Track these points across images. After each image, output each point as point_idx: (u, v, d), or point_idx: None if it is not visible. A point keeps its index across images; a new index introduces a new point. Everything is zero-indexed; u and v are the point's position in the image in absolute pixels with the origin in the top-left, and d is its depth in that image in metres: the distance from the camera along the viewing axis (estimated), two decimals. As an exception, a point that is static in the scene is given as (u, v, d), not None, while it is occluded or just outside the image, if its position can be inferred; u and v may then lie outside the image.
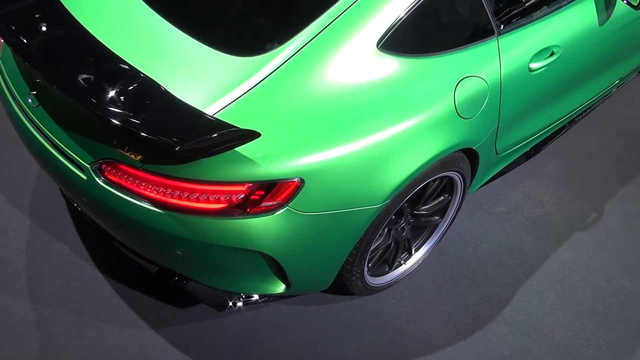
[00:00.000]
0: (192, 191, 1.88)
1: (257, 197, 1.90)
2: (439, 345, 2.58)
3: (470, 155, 2.46)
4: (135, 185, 1.92)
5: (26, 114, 2.15)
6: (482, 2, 2.29)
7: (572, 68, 2.70)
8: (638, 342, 2.66)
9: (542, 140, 3.11)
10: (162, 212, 1.92)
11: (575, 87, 2.89)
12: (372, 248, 2.38)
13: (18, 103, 2.18)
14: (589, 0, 2.65)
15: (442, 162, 2.27)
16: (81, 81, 1.90)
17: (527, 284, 2.82)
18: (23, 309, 2.55)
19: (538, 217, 3.10)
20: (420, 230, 2.75)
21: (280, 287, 2.24)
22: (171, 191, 1.89)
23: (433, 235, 2.78)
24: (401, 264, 2.73)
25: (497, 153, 2.69)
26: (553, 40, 2.51)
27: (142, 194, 1.91)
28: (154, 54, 2.05)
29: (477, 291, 2.77)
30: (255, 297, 2.39)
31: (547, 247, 2.98)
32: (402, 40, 2.11)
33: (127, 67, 1.95)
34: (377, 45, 2.07)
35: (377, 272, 2.62)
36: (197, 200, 1.88)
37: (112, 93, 1.85)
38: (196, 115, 1.86)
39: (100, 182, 1.97)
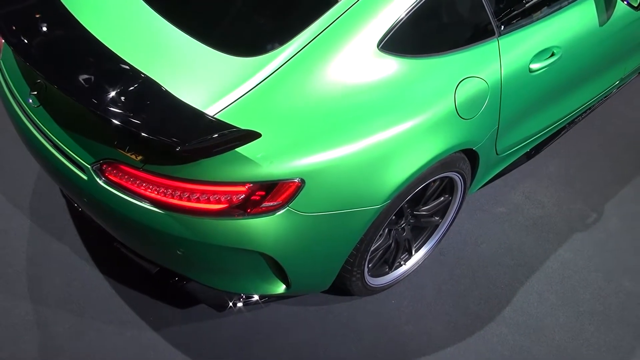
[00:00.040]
0: (193, 191, 1.88)
1: (257, 198, 1.90)
2: (439, 346, 2.58)
3: (470, 155, 2.47)
4: (135, 185, 1.92)
5: (27, 114, 2.15)
6: (482, 3, 2.29)
7: (572, 69, 2.70)
8: (638, 343, 2.66)
9: (542, 141, 3.11)
10: (162, 213, 1.92)
11: (576, 87, 2.89)
12: (372, 248, 2.38)
13: (19, 103, 2.18)
14: (589, 1, 2.65)
15: (443, 162, 2.27)
16: (82, 81, 1.90)
17: (527, 285, 2.82)
18: (23, 309, 2.55)
19: (538, 218, 3.10)
20: (421, 231, 2.75)
21: (281, 288, 2.24)
22: (172, 191, 1.89)
23: (433, 235, 2.78)
24: (401, 265, 2.73)
25: (497, 154, 2.69)
26: (553, 41, 2.51)
27: (142, 194, 1.91)
28: (155, 54, 2.05)
29: (477, 292, 2.77)
30: (256, 297, 2.39)
31: (547, 248, 2.98)
32: (402, 40, 2.11)
33: (127, 67, 1.95)
34: (378, 46, 2.07)
35: (377, 272, 2.63)
36: (198, 200, 1.88)
37: (112, 93, 1.85)
38: (197, 115, 1.86)
39: (100, 182, 1.97)
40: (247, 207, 1.90)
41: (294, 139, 1.93)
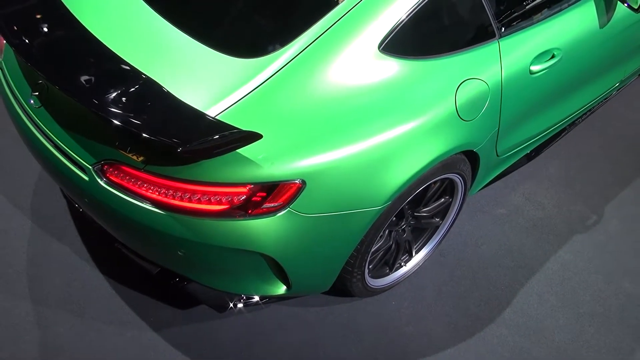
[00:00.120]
0: (194, 192, 1.88)
1: (258, 199, 1.90)
2: (439, 347, 2.58)
3: (471, 157, 2.47)
4: (137, 186, 1.92)
5: (28, 115, 2.15)
6: (483, 5, 2.29)
7: (572, 71, 2.71)
8: (638, 345, 2.66)
9: (542, 143, 3.11)
10: (163, 213, 1.92)
11: (576, 89, 2.89)
12: (372, 250, 2.38)
13: (20, 104, 2.18)
14: (590, 3, 2.66)
15: (443, 164, 2.28)
16: (83, 82, 1.90)
17: (527, 286, 2.82)
18: (23, 309, 2.55)
19: (538, 219, 3.10)
20: (421, 232, 2.75)
21: (281, 289, 2.25)
22: (173, 192, 1.89)
23: (433, 237, 2.78)
24: (402, 266, 2.73)
25: (497, 155, 2.69)
26: (554, 43, 2.51)
27: (143, 195, 1.92)
28: (156, 55, 2.05)
29: (477, 293, 2.77)
30: (256, 298, 2.39)
31: (547, 249, 2.98)
32: (403, 42, 2.12)
33: (128, 68, 1.96)
34: (379, 48, 2.08)
35: (377, 273, 2.63)
36: (199, 201, 1.88)
37: (114, 94, 1.85)
38: (198, 116, 1.86)
39: (102, 183, 1.97)
40: (248, 208, 1.91)
41: (295, 140, 1.93)
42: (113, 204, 1.99)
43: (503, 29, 2.37)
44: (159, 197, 1.91)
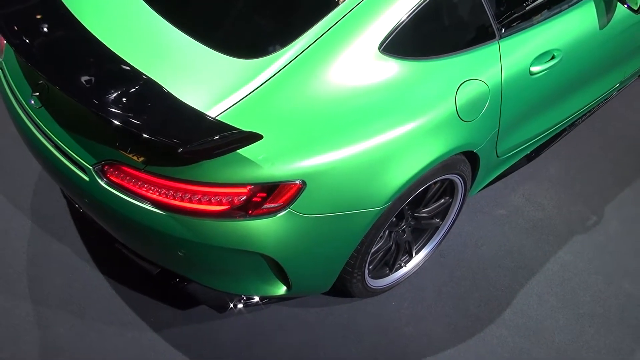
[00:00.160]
0: (194, 193, 1.88)
1: (258, 199, 1.90)
2: (439, 348, 2.58)
3: (471, 158, 2.47)
4: (137, 186, 1.92)
5: (28, 115, 2.15)
6: (483, 6, 2.30)
7: (572, 71, 2.71)
8: (638, 345, 2.66)
9: (542, 143, 3.11)
10: (164, 214, 1.92)
11: (576, 90, 2.90)
12: (373, 250, 2.38)
13: (20, 104, 2.18)
14: (590, 4, 2.66)
15: (443, 164, 2.28)
16: (83, 82, 1.90)
17: (527, 287, 2.82)
18: (24, 309, 2.55)
19: (538, 220, 3.11)
20: (421, 233, 2.75)
21: (281, 289, 2.25)
22: (173, 193, 1.89)
23: (433, 237, 2.79)
24: (402, 267, 2.73)
25: (497, 156, 2.69)
26: (554, 44, 2.52)
27: (144, 195, 1.92)
28: (156, 55, 2.06)
29: (477, 294, 2.77)
30: (256, 298, 2.40)
31: (547, 250, 2.98)
32: (403, 43, 2.12)
33: (129, 68, 1.96)
34: (379, 48, 2.08)
35: (377, 274, 2.63)
36: (199, 202, 1.88)
37: (114, 94, 1.85)
38: (198, 117, 1.86)
39: (102, 183, 1.97)
40: (249, 208, 1.91)
41: (295, 141, 1.93)
42: (113, 205, 1.99)
43: (503, 29, 2.37)
44: (160, 198, 1.91)
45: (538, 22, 2.49)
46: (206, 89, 1.95)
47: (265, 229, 1.95)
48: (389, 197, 2.11)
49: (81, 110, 1.97)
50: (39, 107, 2.11)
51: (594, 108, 3.35)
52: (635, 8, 2.66)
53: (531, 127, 2.79)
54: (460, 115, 2.23)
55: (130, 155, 1.92)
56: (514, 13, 2.40)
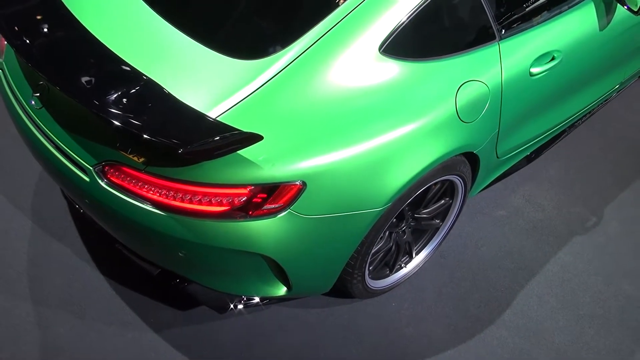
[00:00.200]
0: (195, 194, 1.89)
1: (259, 200, 1.90)
2: (439, 349, 2.58)
3: (471, 159, 2.47)
4: (137, 187, 1.92)
5: (29, 116, 2.15)
6: (483, 7, 2.30)
7: (572, 73, 2.71)
8: (637, 346, 2.67)
9: (542, 144, 3.12)
10: (164, 215, 1.93)
11: (576, 91, 2.90)
12: (373, 251, 2.38)
13: (21, 105, 2.18)
14: (590, 5, 2.66)
15: (444, 165, 2.28)
16: (84, 83, 1.90)
17: (527, 288, 2.83)
18: (24, 310, 2.55)
19: (538, 221, 3.11)
20: (421, 234, 2.76)
21: (282, 290, 2.25)
22: (173, 193, 1.89)
23: (434, 238, 2.79)
24: (402, 267, 2.73)
25: (497, 157, 2.70)
26: (554, 45, 2.52)
27: (144, 196, 1.92)
28: (157, 56, 2.06)
29: (477, 294, 2.78)
30: (257, 299, 2.40)
31: (547, 251, 2.99)
32: (404, 44, 2.12)
33: (129, 69, 1.96)
34: (379, 49, 2.08)
35: (378, 275, 2.63)
36: (200, 202, 1.89)
37: (114, 95, 1.86)
38: (199, 117, 1.87)
39: (102, 184, 1.97)
40: (249, 209, 1.91)
41: (295, 142, 1.93)
42: (114, 205, 1.99)
43: (503, 31, 2.37)
44: (160, 198, 1.91)
45: (538, 23, 2.49)
46: (207, 90, 1.95)
47: (266, 229, 1.95)
48: (389, 198, 2.11)
49: (82, 110, 1.97)
50: (40, 108, 2.11)
51: (593, 109, 3.35)
52: (635, 9, 2.66)
53: (531, 128, 2.79)
54: (461, 116, 2.23)
55: (130, 156, 1.92)
56: (514, 14, 2.41)
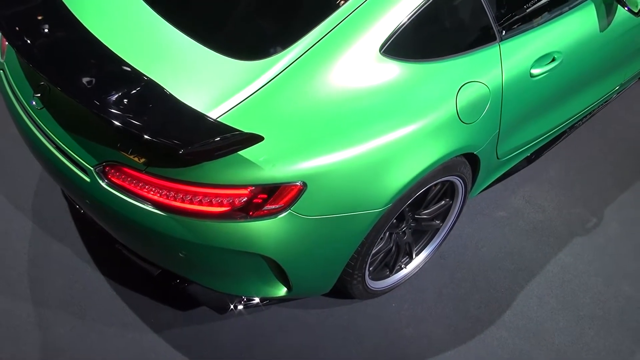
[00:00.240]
0: (195, 194, 1.89)
1: (259, 201, 1.91)
2: (440, 349, 2.58)
3: (471, 159, 2.47)
4: (138, 188, 1.92)
5: (30, 116, 2.15)
6: (484, 8, 2.30)
7: (573, 74, 2.71)
8: (637, 347, 2.67)
9: (543, 146, 3.12)
10: (165, 215, 1.93)
11: (576, 92, 2.90)
12: (373, 252, 2.38)
13: (22, 105, 2.19)
14: (590, 6, 2.66)
15: (444, 166, 2.28)
16: (85, 83, 1.91)
17: (527, 289, 2.83)
18: (24, 310, 2.55)
19: (538, 222, 3.11)
20: (421, 235, 2.76)
21: (282, 291, 2.25)
22: (174, 194, 1.90)
23: (434, 239, 2.79)
24: (402, 268, 2.73)
25: (498, 158, 2.70)
26: (554, 46, 2.52)
27: (145, 196, 1.92)
28: (158, 57, 2.06)
29: (477, 295, 2.78)
30: (257, 300, 2.40)
31: (547, 252, 2.99)
32: (404, 45, 2.12)
33: (130, 69, 1.96)
34: (380, 50, 2.08)
35: (378, 275, 2.63)
36: (200, 203, 1.89)
37: (115, 96, 1.86)
38: (199, 118, 1.87)
39: (103, 184, 1.98)
40: (250, 210, 1.91)
41: (296, 143, 1.93)
42: (114, 206, 1.99)
43: (504, 32, 2.37)
44: (160, 199, 1.91)
45: (539, 24, 2.49)
46: (207, 91, 1.96)
47: (266, 230, 1.95)
48: (390, 198, 2.11)
49: (82, 111, 1.97)
50: (40, 108, 2.11)
51: (594, 110, 3.35)
52: (636, 10, 2.66)
53: (531, 129, 2.80)
54: (461, 117, 2.24)
55: (131, 157, 1.92)
56: (515, 15, 2.41)
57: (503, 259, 2.93)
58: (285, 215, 1.95)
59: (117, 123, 1.76)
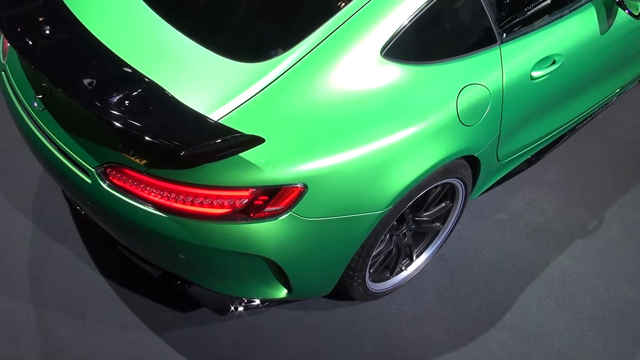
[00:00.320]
0: (196, 196, 1.89)
1: (260, 202, 1.91)
2: (440, 351, 2.59)
3: (472, 162, 2.48)
4: (139, 189, 1.93)
5: (31, 118, 2.16)
6: (484, 11, 2.30)
7: (573, 76, 2.71)
8: (637, 349, 2.67)
9: (543, 148, 3.12)
10: (166, 217, 1.93)
11: (576, 95, 2.90)
12: (373, 254, 2.39)
13: (23, 106, 2.19)
14: (591, 9, 2.67)
15: (444, 169, 2.28)
16: (86, 85, 1.91)
17: (527, 291, 2.83)
18: (25, 311, 2.56)
19: (538, 225, 3.11)
20: (422, 237, 2.76)
21: (282, 292, 2.25)
22: (175, 196, 1.90)
23: (434, 241, 2.79)
24: (402, 270, 2.73)
25: (498, 160, 2.70)
26: (554, 49, 2.52)
27: (146, 198, 1.92)
28: (159, 58, 2.06)
29: (477, 297, 2.78)
30: (257, 301, 2.40)
31: (548, 255, 2.99)
32: (405, 47, 2.13)
33: (132, 71, 1.96)
34: (381, 53, 2.08)
35: (378, 277, 2.63)
36: (201, 204, 1.89)
37: (117, 97, 1.86)
38: (200, 120, 1.87)
39: (104, 186, 1.98)
40: (250, 211, 1.91)
41: (297, 144, 1.94)
42: (115, 207, 1.99)
43: (504, 34, 2.38)
44: (161, 200, 1.91)
45: (539, 27, 2.49)
46: (208, 92, 1.96)
47: (267, 232, 1.95)
48: (390, 200, 2.11)
49: (84, 112, 1.98)
50: (42, 110, 2.11)
51: (594, 113, 3.35)
52: (636, 14, 2.67)
53: (532, 131, 2.80)
54: (462, 119, 2.24)
55: (132, 158, 1.92)
56: (515, 18, 2.41)
57: (503, 261, 2.94)
58: (286, 217, 1.95)
59: (118, 124, 1.76)
